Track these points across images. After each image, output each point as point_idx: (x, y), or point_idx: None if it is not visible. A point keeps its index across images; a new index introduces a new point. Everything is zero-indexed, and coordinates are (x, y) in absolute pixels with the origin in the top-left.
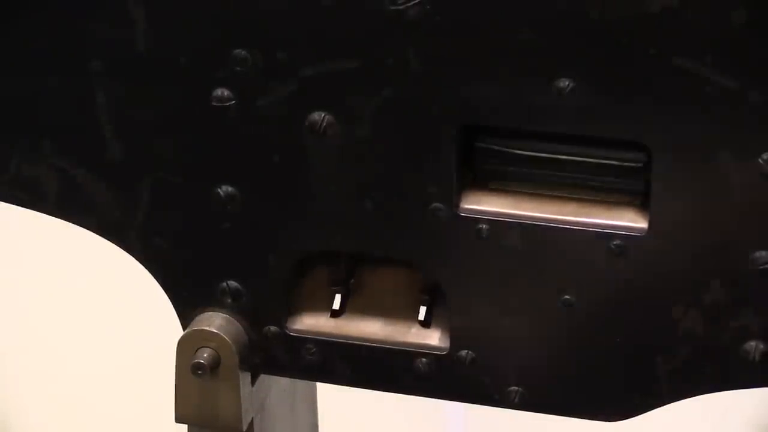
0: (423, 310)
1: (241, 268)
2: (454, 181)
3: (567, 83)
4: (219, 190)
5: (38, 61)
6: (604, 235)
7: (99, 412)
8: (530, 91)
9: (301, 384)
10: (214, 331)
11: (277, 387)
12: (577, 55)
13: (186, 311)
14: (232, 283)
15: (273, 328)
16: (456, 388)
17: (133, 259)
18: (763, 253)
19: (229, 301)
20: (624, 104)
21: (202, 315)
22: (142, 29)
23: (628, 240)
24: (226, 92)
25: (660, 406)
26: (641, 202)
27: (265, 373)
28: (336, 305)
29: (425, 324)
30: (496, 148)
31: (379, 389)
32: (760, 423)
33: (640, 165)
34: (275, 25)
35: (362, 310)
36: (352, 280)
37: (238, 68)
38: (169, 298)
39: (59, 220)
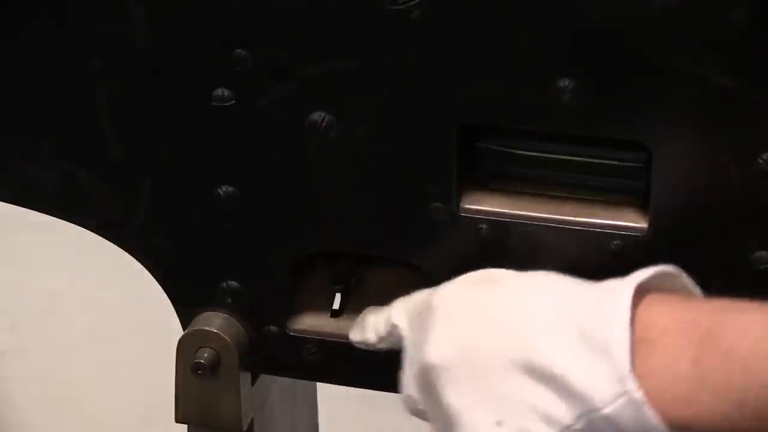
0: None
1: (241, 268)
2: (454, 181)
3: (567, 83)
4: (219, 190)
5: (38, 61)
6: (604, 235)
7: (99, 412)
8: (530, 91)
9: (301, 384)
10: (215, 331)
11: (277, 387)
12: (577, 55)
13: (186, 311)
14: (232, 283)
15: (273, 328)
16: None
17: (133, 258)
18: (763, 253)
19: (229, 301)
20: (624, 104)
21: (202, 315)
22: (142, 29)
23: (628, 240)
24: (226, 92)
25: None
26: (641, 202)
27: (265, 373)
28: (336, 305)
29: None
30: (496, 148)
31: (379, 389)
32: None
33: (640, 165)
34: (275, 25)
35: (362, 310)
36: (353, 280)
37: (238, 68)
38: (170, 297)
39: (59, 219)
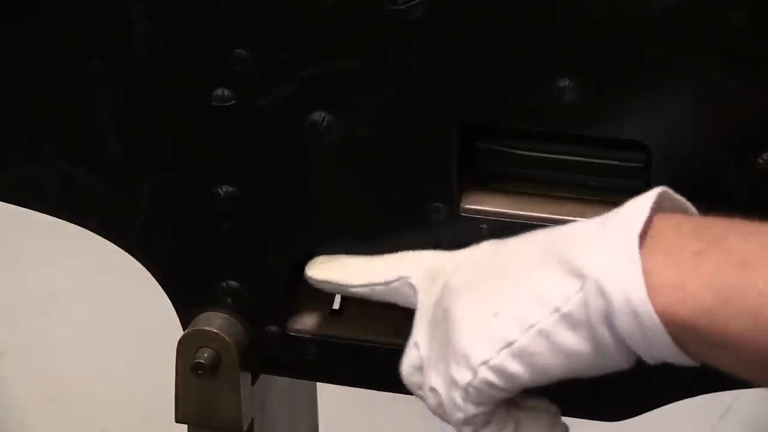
0: None
1: (241, 268)
2: (455, 181)
3: (567, 83)
4: (219, 190)
5: (38, 61)
6: None
7: (99, 412)
8: (530, 91)
9: (301, 384)
10: (215, 331)
11: (277, 387)
12: (577, 55)
13: (186, 311)
14: (232, 283)
15: (273, 328)
16: None
17: (133, 258)
18: None
19: (229, 301)
20: (624, 104)
21: (202, 315)
22: (142, 29)
23: None
24: (226, 92)
25: (661, 405)
26: None
27: (265, 373)
28: (336, 305)
29: None
30: (496, 148)
31: (379, 389)
32: (760, 423)
33: (640, 165)
34: (275, 25)
35: (362, 310)
36: None
37: (238, 68)
38: (170, 297)
39: (59, 219)
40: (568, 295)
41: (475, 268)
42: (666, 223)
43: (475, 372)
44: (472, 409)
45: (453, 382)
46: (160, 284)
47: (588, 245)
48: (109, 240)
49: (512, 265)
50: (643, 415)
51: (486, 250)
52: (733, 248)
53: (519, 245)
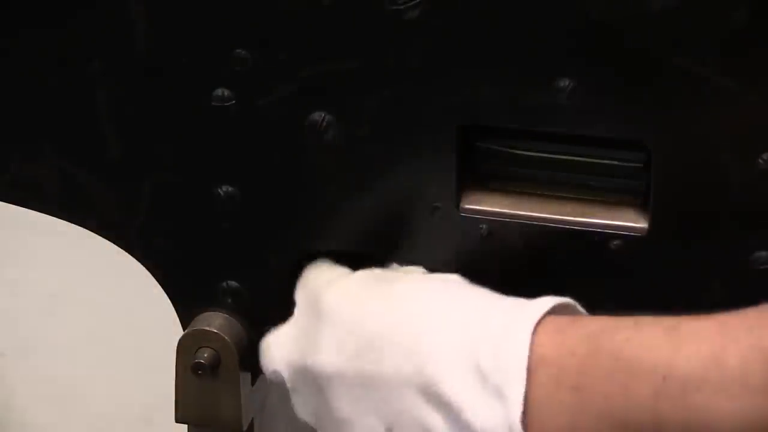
0: None
1: (241, 268)
2: (454, 181)
3: (567, 83)
4: (219, 190)
5: (38, 61)
6: (604, 235)
7: (99, 412)
8: (530, 91)
9: None
10: (215, 331)
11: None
12: (577, 55)
13: (186, 311)
14: (232, 283)
15: (273, 328)
16: None
17: (133, 258)
18: (763, 253)
19: (229, 301)
20: (624, 104)
21: (202, 315)
22: (142, 29)
23: (628, 240)
24: (226, 92)
25: None
26: (641, 202)
27: None
28: None
29: None
30: (496, 148)
31: None
32: None
33: (640, 165)
34: (275, 25)
35: None
36: None
37: (238, 68)
38: (170, 297)
39: (59, 219)
40: None
41: (345, 351)
42: (535, 356)
43: None
44: None
45: None
46: (160, 284)
47: (472, 404)
48: (109, 240)
49: (388, 374)
50: None
51: (349, 315)
52: (607, 372)
53: (383, 343)
